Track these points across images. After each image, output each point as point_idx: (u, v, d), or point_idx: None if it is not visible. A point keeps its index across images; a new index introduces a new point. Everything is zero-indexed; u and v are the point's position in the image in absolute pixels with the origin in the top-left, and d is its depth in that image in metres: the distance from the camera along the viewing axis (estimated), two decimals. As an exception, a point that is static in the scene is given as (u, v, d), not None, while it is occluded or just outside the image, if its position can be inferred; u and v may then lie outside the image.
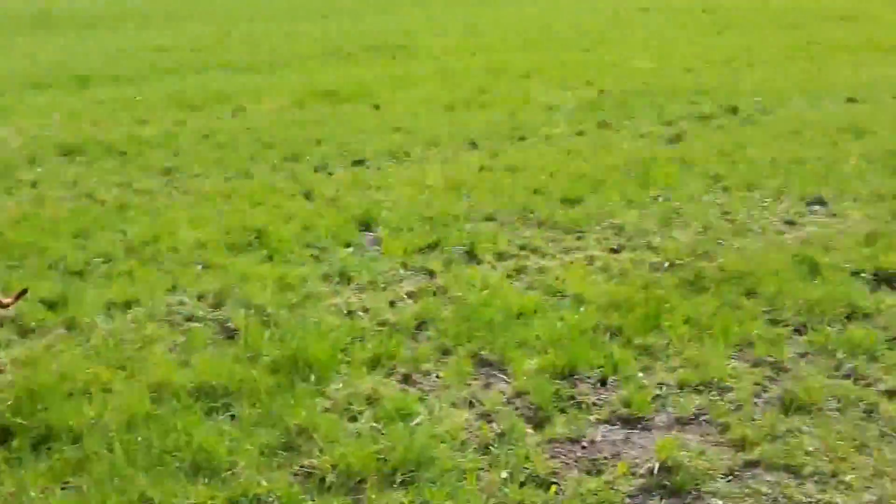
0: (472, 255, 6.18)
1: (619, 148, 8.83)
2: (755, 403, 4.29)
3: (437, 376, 4.60)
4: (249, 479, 3.70)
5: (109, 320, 5.24)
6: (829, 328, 4.94)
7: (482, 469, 3.80)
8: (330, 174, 8.31)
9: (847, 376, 4.49)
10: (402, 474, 3.75)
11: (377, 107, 11.32)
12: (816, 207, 6.88)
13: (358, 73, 14.08)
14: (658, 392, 4.41)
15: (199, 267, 6.00)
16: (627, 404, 4.30)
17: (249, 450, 3.88)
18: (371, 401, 4.32)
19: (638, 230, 6.53)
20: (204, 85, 13.15)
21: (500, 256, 6.19)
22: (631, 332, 4.95)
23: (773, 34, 16.22)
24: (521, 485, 3.71)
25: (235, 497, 3.62)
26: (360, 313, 5.29)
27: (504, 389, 4.47)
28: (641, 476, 3.80)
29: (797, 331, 4.99)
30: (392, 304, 5.44)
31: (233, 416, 4.18)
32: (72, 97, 12.49)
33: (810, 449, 3.89)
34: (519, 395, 4.42)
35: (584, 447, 4.02)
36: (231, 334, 5.06)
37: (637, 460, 3.90)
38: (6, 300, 4.77)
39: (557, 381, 4.49)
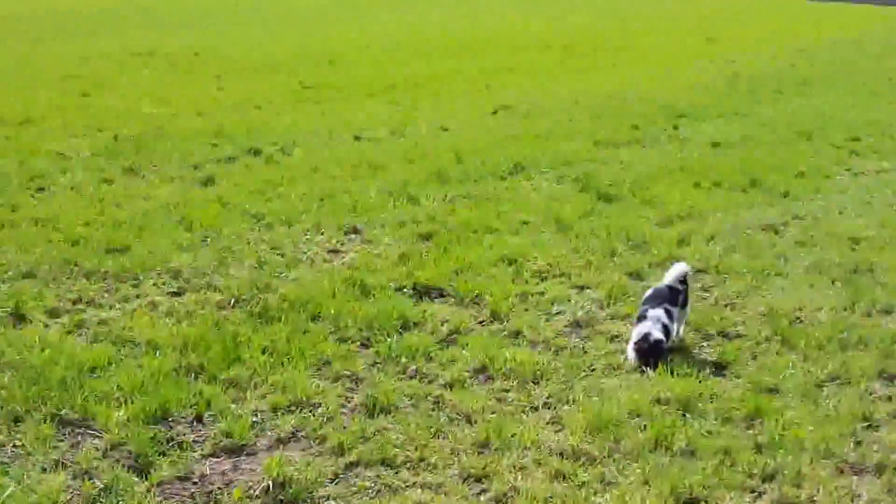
0: (19, 316, 5.82)
1: (153, 193, 8.75)
2: (343, 413, 4.75)
3: (15, 445, 4.34)
4: None
5: None
6: (389, 338, 5.56)
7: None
8: None
9: (412, 377, 5.14)
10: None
11: None
12: (353, 236, 7.57)
13: None
14: (255, 419, 4.65)
15: None
16: (229, 435, 4.48)
17: None
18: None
19: (195, 272, 6.64)
20: None
21: (53, 313, 5.92)
22: (214, 368, 5.11)
23: (267, 78, 16.94)
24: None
25: None
26: None
27: (97, 444, 4.39)
28: (258, 497, 4.03)
29: (363, 345, 5.55)
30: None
31: None
32: None
33: (397, 442, 4.45)
34: (115, 446, 4.37)
35: (195, 483, 4.13)
36: None
37: (250, 483, 4.12)
38: None
39: (152, 427, 4.51)
